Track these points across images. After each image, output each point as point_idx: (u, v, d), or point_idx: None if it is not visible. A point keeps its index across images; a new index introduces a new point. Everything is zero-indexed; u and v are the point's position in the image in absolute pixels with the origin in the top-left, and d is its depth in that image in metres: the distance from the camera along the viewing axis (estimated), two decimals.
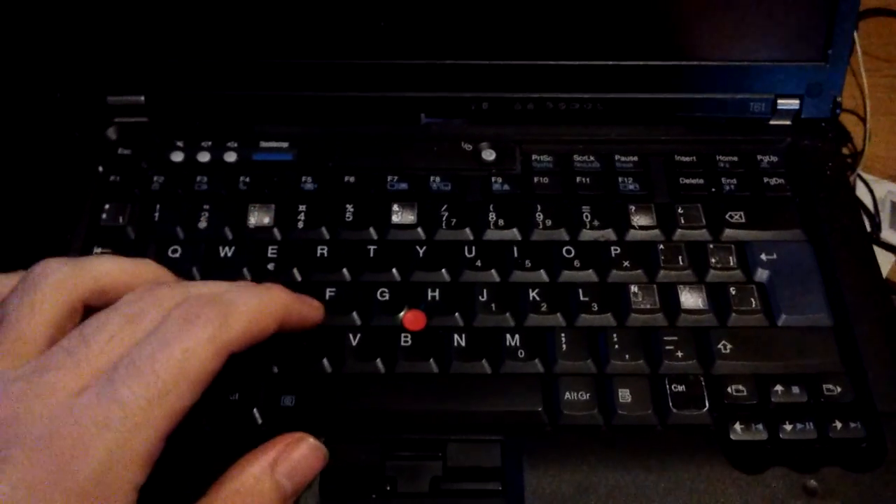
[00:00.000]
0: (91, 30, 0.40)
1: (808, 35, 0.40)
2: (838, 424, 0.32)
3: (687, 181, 0.40)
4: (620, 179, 0.40)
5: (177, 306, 0.26)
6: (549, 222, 0.38)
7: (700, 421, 0.32)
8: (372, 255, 0.37)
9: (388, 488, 0.31)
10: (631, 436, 0.32)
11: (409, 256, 0.37)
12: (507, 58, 0.41)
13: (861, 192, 0.46)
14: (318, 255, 0.37)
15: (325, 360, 0.34)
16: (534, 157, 0.41)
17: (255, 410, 0.32)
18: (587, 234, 0.38)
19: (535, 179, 0.40)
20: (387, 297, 0.36)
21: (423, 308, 0.35)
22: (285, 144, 0.41)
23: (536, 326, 0.35)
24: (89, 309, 0.27)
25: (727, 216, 0.38)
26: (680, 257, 0.37)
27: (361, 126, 0.42)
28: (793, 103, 0.42)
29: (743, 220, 0.38)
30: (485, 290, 0.36)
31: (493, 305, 0.35)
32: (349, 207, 0.38)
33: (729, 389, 0.33)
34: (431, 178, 0.40)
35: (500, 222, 0.38)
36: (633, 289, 0.36)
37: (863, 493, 0.31)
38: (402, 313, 0.35)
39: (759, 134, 0.42)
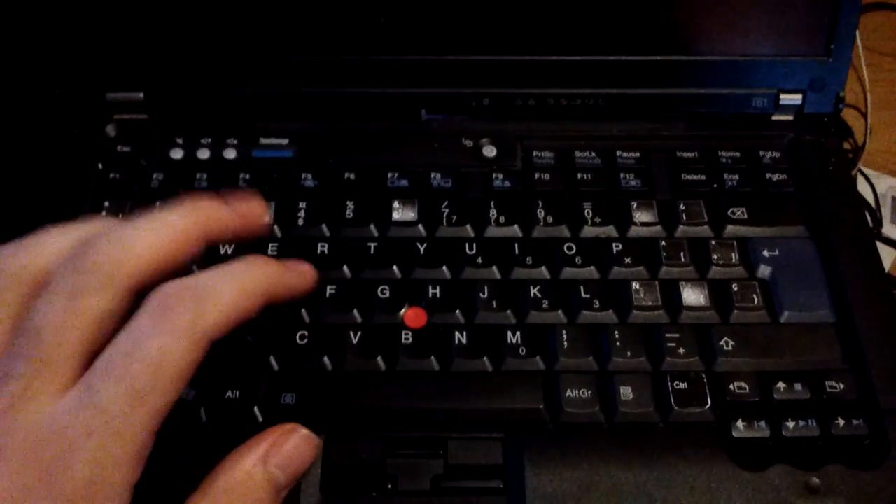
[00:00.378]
0: (90, 26, 0.40)
1: (810, 30, 0.40)
2: (841, 421, 0.32)
3: (689, 177, 0.40)
4: (622, 175, 0.40)
5: (148, 299, 0.25)
6: (550, 219, 0.38)
7: (702, 418, 0.32)
8: (372, 252, 0.37)
9: (390, 486, 0.31)
10: (633, 433, 0.32)
11: (410, 254, 0.37)
12: (508, 53, 0.41)
13: (862, 187, 0.46)
14: (319, 252, 0.37)
15: (325, 358, 0.34)
16: (535, 153, 0.41)
17: (255, 408, 0.32)
18: (588, 231, 0.38)
19: (537, 176, 0.40)
20: (387, 295, 0.35)
21: (424, 305, 0.35)
22: (285, 141, 0.41)
23: (538, 324, 0.35)
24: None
25: (729, 212, 0.38)
26: (682, 254, 0.37)
27: (362, 122, 0.42)
28: (795, 98, 0.42)
29: (745, 217, 0.38)
30: (486, 288, 0.36)
31: (494, 303, 0.35)
32: (349, 204, 0.38)
33: (731, 386, 0.33)
34: (432, 175, 0.40)
35: (501, 219, 0.38)
36: (635, 286, 0.36)
37: (866, 490, 0.30)
38: (402, 311, 0.35)
39: (762, 129, 0.42)
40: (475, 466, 0.31)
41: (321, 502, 0.31)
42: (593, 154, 0.41)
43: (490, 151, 0.41)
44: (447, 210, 0.38)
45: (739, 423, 0.32)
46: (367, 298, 0.35)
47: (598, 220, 0.38)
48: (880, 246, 0.43)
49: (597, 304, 0.35)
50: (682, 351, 0.34)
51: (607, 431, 0.32)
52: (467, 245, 0.37)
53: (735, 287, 0.36)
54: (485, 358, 0.34)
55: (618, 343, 0.34)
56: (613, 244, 0.37)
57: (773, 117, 0.42)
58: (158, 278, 0.25)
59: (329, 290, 0.35)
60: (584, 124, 0.42)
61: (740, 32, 0.40)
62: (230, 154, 0.40)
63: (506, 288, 0.36)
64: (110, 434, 0.23)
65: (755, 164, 0.40)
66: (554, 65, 0.41)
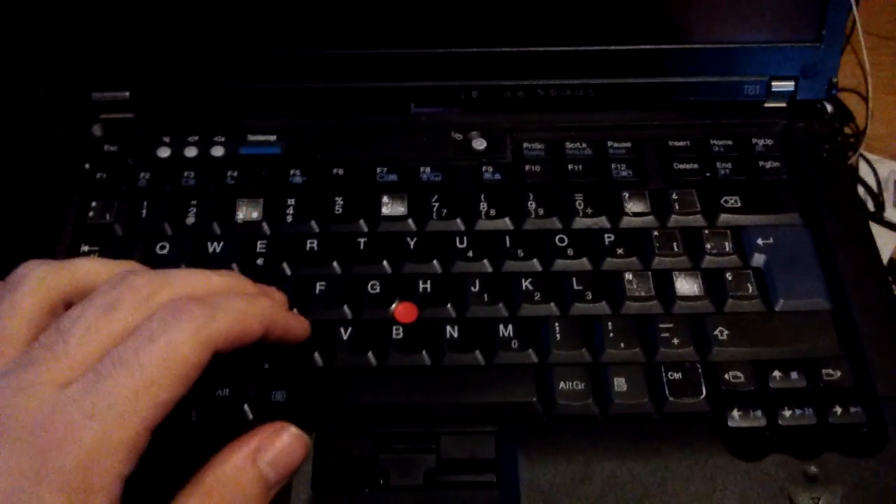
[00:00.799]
0: (74, 25, 0.39)
1: (801, 15, 0.40)
2: (838, 409, 0.32)
3: (681, 166, 0.39)
4: (613, 166, 0.39)
5: (163, 304, 0.26)
6: (541, 211, 0.38)
7: (697, 408, 0.32)
8: (362, 247, 0.36)
9: (382, 482, 0.31)
10: (627, 425, 0.32)
11: (400, 248, 0.36)
12: (496, 45, 0.40)
13: (864, 171, 0.45)
14: (308, 248, 0.36)
15: (316, 354, 0.33)
16: (525, 145, 0.40)
17: (245, 406, 0.32)
18: (580, 222, 0.37)
19: (527, 168, 0.39)
20: (378, 290, 0.35)
21: (415, 300, 0.35)
22: (273, 138, 0.41)
23: (530, 316, 0.34)
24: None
25: (722, 201, 0.38)
26: (675, 243, 0.36)
27: (349, 117, 0.41)
28: (788, 85, 0.41)
29: (738, 205, 0.38)
30: (477, 281, 0.35)
31: (485, 296, 0.35)
32: (338, 200, 0.38)
33: (726, 376, 0.33)
34: (421, 169, 0.39)
35: (492, 212, 0.38)
36: (628, 276, 0.35)
37: (864, 478, 0.30)
38: (393, 306, 0.35)
39: (754, 117, 0.42)
40: (468, 461, 0.31)
41: (312, 499, 0.30)
42: (584, 145, 0.40)
43: (480, 144, 0.40)
44: (437, 204, 0.38)
45: (735, 413, 0.32)
46: (358, 294, 0.35)
47: (589, 211, 0.38)
48: (883, 230, 0.43)
49: (589, 295, 0.35)
50: (676, 341, 0.33)
51: (601, 423, 0.32)
52: (458, 239, 0.37)
53: (729, 276, 0.35)
54: (477, 352, 0.33)
55: (611, 334, 0.34)
56: (605, 235, 0.37)
57: (766, 104, 0.42)
58: None
59: (319, 286, 0.35)
60: (574, 115, 0.41)
61: (731, 19, 0.40)
62: (217, 152, 0.40)
63: (497, 281, 0.35)
64: (112, 418, 0.23)
65: (748, 152, 0.40)
66: (543, 56, 0.40)
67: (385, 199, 0.38)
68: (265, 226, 0.37)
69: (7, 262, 0.29)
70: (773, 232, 0.37)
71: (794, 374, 0.33)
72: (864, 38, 0.47)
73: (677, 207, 0.38)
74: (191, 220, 0.38)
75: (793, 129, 0.41)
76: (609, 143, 0.40)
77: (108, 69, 0.40)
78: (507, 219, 0.37)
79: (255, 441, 0.27)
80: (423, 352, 0.33)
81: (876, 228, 0.41)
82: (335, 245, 0.37)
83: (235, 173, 0.39)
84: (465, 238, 0.37)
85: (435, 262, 0.36)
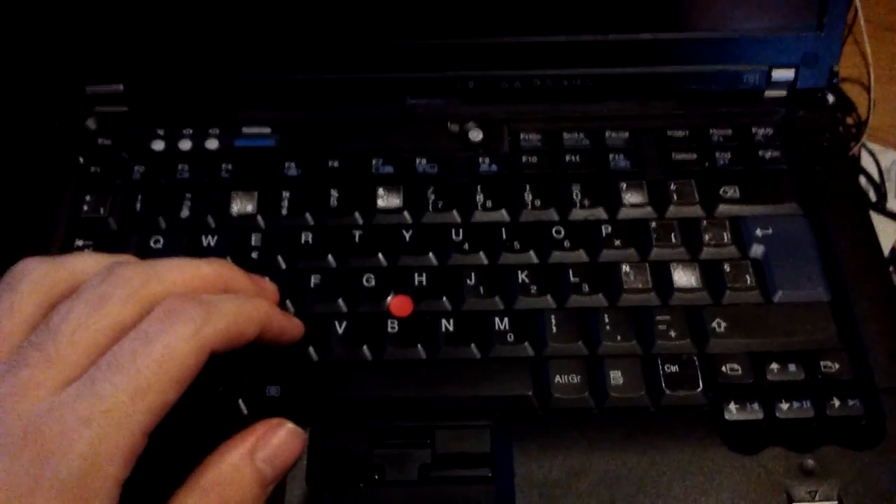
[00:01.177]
0: (68, 18, 0.39)
1: (801, 3, 0.39)
2: (836, 402, 0.31)
3: (679, 156, 0.39)
4: (611, 156, 0.39)
5: (158, 304, 0.26)
6: (538, 202, 0.37)
7: (694, 401, 0.32)
8: (357, 240, 0.36)
9: (377, 476, 0.31)
10: (623, 418, 0.31)
11: (396, 241, 0.36)
12: (492, 35, 0.40)
13: (866, 161, 0.45)
14: (303, 241, 0.36)
15: (310, 349, 0.33)
16: (522, 136, 0.40)
17: (240, 401, 0.32)
18: (577, 214, 0.37)
19: (524, 159, 0.39)
20: (373, 283, 0.35)
21: (410, 293, 0.35)
22: (267, 130, 0.40)
23: (526, 309, 0.34)
24: None
25: (721, 191, 0.37)
26: (673, 235, 0.36)
27: (345, 109, 0.41)
28: (788, 74, 0.41)
29: (737, 195, 0.37)
30: (473, 274, 0.35)
31: (481, 289, 0.35)
32: (333, 192, 0.38)
33: (723, 368, 0.32)
34: (417, 161, 0.39)
35: (488, 204, 0.37)
36: (625, 268, 0.35)
37: (862, 471, 0.30)
38: (388, 299, 0.35)
39: (754, 106, 0.41)
40: (463, 455, 0.31)
41: (307, 494, 0.30)
42: (581, 135, 0.40)
43: (476, 135, 0.40)
44: (433, 196, 0.37)
45: (732, 406, 0.32)
46: (353, 287, 0.35)
47: (586, 202, 0.37)
48: (885, 220, 0.43)
49: (586, 287, 0.35)
50: (673, 333, 0.33)
51: (597, 417, 0.32)
52: (454, 231, 0.36)
53: (727, 267, 0.35)
54: (472, 345, 0.33)
55: (608, 327, 0.33)
56: (602, 226, 0.36)
57: (766, 94, 0.41)
58: None
59: (313, 279, 0.35)
60: (571, 105, 0.41)
61: (730, 7, 0.39)
62: (212, 144, 0.40)
63: (493, 273, 0.35)
64: (109, 424, 0.23)
65: (747, 142, 0.40)
66: (540, 46, 0.40)
67: (380, 191, 0.38)
68: (260, 219, 0.37)
69: (2, 257, 0.29)
70: (772, 222, 0.36)
71: (792, 367, 0.32)
72: (867, 27, 0.46)
73: (675, 198, 0.37)
74: (185, 213, 0.37)
75: (793, 119, 0.40)
76: (607, 134, 0.40)
77: (102, 62, 0.40)
78: (503, 210, 0.37)
79: (252, 438, 0.27)
80: (419, 345, 0.33)
81: (878, 219, 0.41)
82: (330, 238, 0.36)
83: (230, 166, 0.39)
84: (461, 230, 0.36)
85: (430, 254, 0.36)
